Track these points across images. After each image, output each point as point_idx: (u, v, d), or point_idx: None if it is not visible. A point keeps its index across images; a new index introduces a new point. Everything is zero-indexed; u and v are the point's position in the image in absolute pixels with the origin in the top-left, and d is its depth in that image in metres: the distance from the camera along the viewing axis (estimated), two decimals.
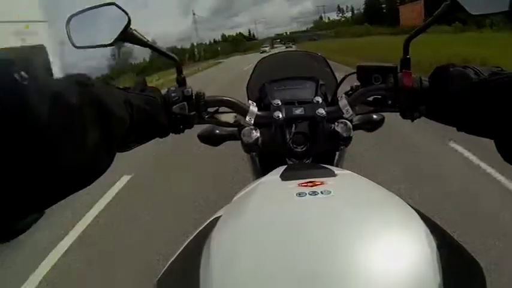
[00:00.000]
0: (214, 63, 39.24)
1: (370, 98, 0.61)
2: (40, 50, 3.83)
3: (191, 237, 0.38)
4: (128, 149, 0.50)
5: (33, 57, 3.66)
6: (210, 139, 0.74)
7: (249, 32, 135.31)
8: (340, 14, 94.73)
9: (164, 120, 0.53)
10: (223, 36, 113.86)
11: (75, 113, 0.35)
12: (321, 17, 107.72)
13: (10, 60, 0.31)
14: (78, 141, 0.35)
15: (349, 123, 0.60)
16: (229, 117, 0.66)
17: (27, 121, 0.30)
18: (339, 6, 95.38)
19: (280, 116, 0.60)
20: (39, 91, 0.31)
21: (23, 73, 0.31)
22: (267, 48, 50.76)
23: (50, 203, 0.34)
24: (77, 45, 0.58)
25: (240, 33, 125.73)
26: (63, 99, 0.34)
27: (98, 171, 0.39)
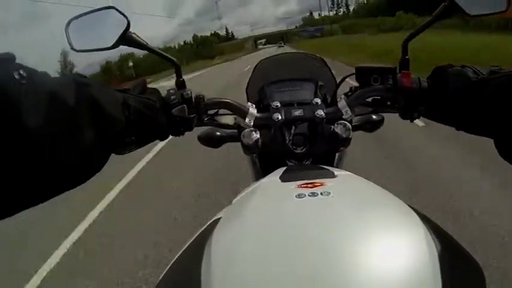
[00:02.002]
0: None
1: (369, 99, 0.61)
2: None
3: (191, 240, 0.38)
4: (126, 152, 0.50)
5: None
6: (210, 141, 0.74)
7: (226, 30, 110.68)
8: (336, 9, 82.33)
9: (163, 123, 0.53)
10: (194, 37, 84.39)
11: (71, 113, 0.35)
12: (311, 13, 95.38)
13: (11, 60, 0.32)
14: (73, 140, 0.35)
15: (348, 124, 0.60)
16: (229, 119, 0.67)
17: (23, 120, 0.30)
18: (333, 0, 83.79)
19: (280, 117, 0.60)
20: (36, 90, 0.32)
21: (21, 72, 0.31)
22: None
23: (43, 199, 0.35)
24: (77, 49, 0.58)
25: (214, 32, 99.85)
26: (60, 99, 0.34)
27: (92, 170, 0.39)
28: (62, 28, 0.57)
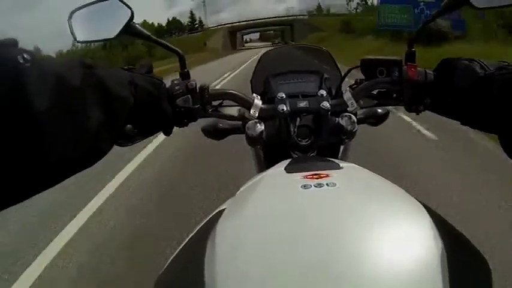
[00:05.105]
0: None
1: (375, 92, 0.61)
2: None
3: (195, 231, 0.38)
4: (129, 144, 0.50)
5: None
6: (214, 133, 0.74)
7: (192, 15, 71.69)
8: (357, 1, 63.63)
9: (167, 106, 0.53)
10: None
11: (77, 95, 0.35)
12: (319, 5, 67.12)
13: (14, 43, 0.31)
14: (80, 123, 0.35)
15: (353, 116, 0.60)
16: (233, 110, 0.66)
17: (29, 104, 0.30)
18: None
19: (285, 108, 0.60)
20: (41, 73, 0.31)
21: (25, 55, 0.31)
22: None
23: (51, 183, 0.34)
24: (79, 39, 0.58)
25: (173, 19, 69.55)
26: (66, 81, 0.34)
27: (100, 152, 0.39)
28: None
